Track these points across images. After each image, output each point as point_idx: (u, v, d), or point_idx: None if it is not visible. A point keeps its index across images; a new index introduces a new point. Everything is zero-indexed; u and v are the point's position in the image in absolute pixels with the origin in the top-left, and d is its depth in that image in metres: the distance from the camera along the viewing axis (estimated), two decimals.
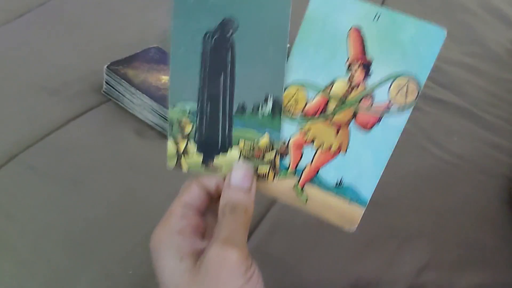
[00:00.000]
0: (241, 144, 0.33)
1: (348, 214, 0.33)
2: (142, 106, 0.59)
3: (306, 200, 0.33)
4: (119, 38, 0.72)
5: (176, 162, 0.34)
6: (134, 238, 0.47)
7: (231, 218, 0.31)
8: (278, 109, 0.32)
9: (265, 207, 0.53)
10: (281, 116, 0.32)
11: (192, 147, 0.33)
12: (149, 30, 0.75)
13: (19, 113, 0.58)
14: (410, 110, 0.31)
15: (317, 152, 0.33)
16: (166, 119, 0.58)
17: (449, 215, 0.57)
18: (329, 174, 0.32)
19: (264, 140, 0.32)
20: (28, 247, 0.45)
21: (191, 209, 0.32)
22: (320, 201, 0.33)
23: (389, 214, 0.55)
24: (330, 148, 0.32)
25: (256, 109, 0.32)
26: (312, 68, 0.32)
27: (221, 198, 0.32)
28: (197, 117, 0.33)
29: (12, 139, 0.54)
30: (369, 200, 0.33)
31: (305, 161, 0.33)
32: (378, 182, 0.59)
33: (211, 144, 0.33)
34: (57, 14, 0.75)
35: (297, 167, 0.33)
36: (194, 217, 0.32)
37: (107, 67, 0.60)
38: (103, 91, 0.63)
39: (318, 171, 0.33)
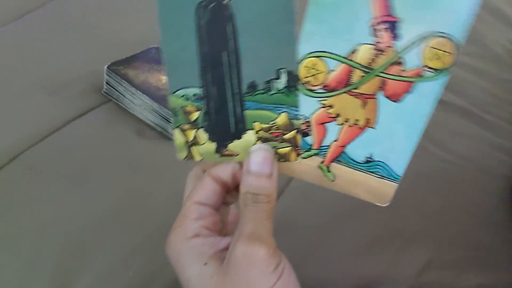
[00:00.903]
0: (256, 126, 0.29)
1: (380, 190, 0.31)
2: (142, 106, 0.59)
3: (333, 178, 0.31)
4: (120, 38, 0.72)
5: (187, 152, 0.31)
6: (135, 239, 0.47)
7: (254, 209, 0.28)
8: (293, 83, 0.28)
9: None
10: (298, 91, 0.29)
11: (203, 135, 0.30)
12: (149, 30, 0.75)
13: (20, 113, 0.58)
14: (447, 76, 0.27)
15: (343, 127, 0.30)
16: (167, 119, 0.58)
17: (451, 216, 0.57)
18: (357, 150, 0.30)
19: (281, 119, 0.29)
20: (29, 247, 0.45)
21: (206, 207, 0.30)
22: (348, 179, 0.31)
23: (391, 214, 0.55)
24: (356, 122, 0.29)
25: (268, 86, 0.29)
26: (331, 34, 0.27)
27: (240, 186, 0.29)
28: (203, 102, 0.29)
29: (12, 139, 0.54)
30: (402, 175, 0.30)
31: (330, 138, 0.30)
32: None
33: (223, 130, 0.30)
34: (58, 15, 0.75)
35: (321, 145, 0.30)
36: (210, 216, 0.30)
37: (107, 67, 0.60)
38: (104, 91, 0.63)
39: (344, 148, 0.30)
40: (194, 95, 0.29)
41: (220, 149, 0.30)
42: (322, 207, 0.54)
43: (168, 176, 0.54)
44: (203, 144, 0.31)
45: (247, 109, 0.29)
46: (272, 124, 0.30)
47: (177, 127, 0.30)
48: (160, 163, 0.56)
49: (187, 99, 0.29)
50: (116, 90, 0.61)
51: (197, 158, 0.31)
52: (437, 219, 0.56)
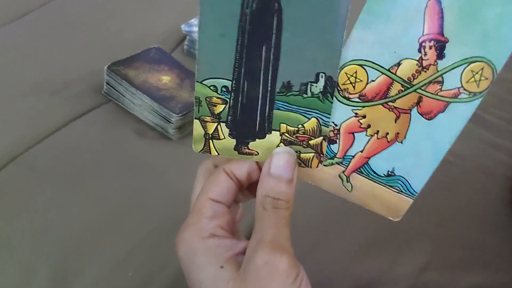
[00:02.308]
0: (283, 127, 0.28)
1: (395, 205, 0.31)
2: (142, 107, 0.59)
3: (351, 189, 0.31)
4: (120, 39, 0.72)
5: (204, 145, 0.30)
6: (134, 240, 0.47)
7: (274, 215, 0.28)
8: (330, 90, 0.27)
9: None
10: (334, 98, 0.28)
11: (224, 130, 0.29)
12: (149, 30, 0.75)
13: (20, 114, 0.58)
14: (481, 99, 0.27)
15: (371, 139, 0.29)
16: (167, 119, 0.58)
17: (450, 216, 0.57)
18: (381, 163, 0.30)
19: (310, 124, 0.28)
20: (28, 247, 0.45)
21: (221, 205, 0.29)
22: (366, 191, 0.31)
23: None
24: (386, 135, 0.29)
25: (304, 88, 0.27)
26: (378, 44, 0.27)
27: (258, 188, 0.28)
28: (231, 95, 0.28)
29: (12, 140, 0.54)
30: (419, 192, 0.30)
31: (356, 148, 0.30)
32: None
33: (247, 127, 0.28)
34: (58, 15, 0.75)
35: (346, 154, 0.30)
36: (224, 214, 0.29)
37: (107, 67, 0.60)
38: (104, 91, 0.63)
39: (368, 160, 0.30)
40: (224, 87, 0.28)
41: (240, 146, 0.29)
42: (321, 207, 0.54)
43: (168, 176, 0.54)
44: (223, 139, 0.29)
45: (276, 109, 0.28)
46: (300, 128, 0.29)
47: (198, 117, 0.29)
48: (160, 163, 0.56)
49: (215, 90, 0.28)
50: (116, 90, 0.61)
51: (213, 152, 0.30)
52: (436, 219, 0.56)
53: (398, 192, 0.31)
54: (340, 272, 0.48)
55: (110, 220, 0.48)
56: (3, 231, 0.46)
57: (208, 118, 0.29)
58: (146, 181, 0.53)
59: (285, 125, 0.28)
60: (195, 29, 0.72)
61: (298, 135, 0.29)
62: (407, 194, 0.31)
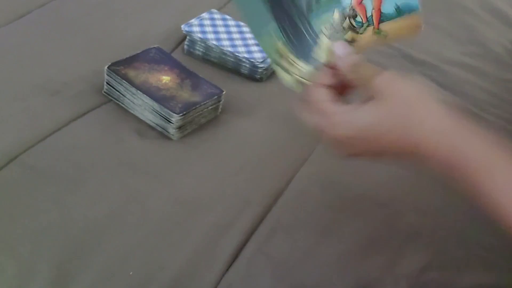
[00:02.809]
0: (324, 30, 0.41)
1: (414, 24, 0.43)
2: (142, 107, 0.60)
3: (386, 35, 0.43)
4: (120, 39, 0.72)
5: (299, 84, 0.41)
6: (134, 239, 0.47)
7: (364, 70, 0.41)
8: None
9: (266, 208, 0.53)
10: None
11: (296, 61, 0.40)
12: (149, 30, 0.75)
13: (20, 114, 0.58)
14: None
15: None
16: (167, 119, 0.58)
17: (451, 215, 0.57)
18: (388, 7, 0.42)
19: (335, 15, 0.41)
20: (29, 247, 0.45)
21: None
22: (394, 29, 0.43)
23: (390, 214, 0.55)
24: None
25: None
26: None
27: (343, 67, 0.41)
28: (282, 33, 0.39)
29: (13, 140, 0.54)
30: (419, 4, 0.43)
31: (369, 9, 0.42)
32: (380, 183, 0.60)
33: (306, 46, 0.40)
34: (58, 15, 0.75)
35: (367, 17, 0.42)
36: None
37: (107, 67, 0.61)
38: (104, 91, 0.63)
39: (380, 10, 0.42)
40: (274, 32, 0.38)
41: (311, 61, 0.41)
42: (320, 207, 0.55)
43: (168, 176, 0.54)
44: (300, 68, 0.41)
45: (312, 21, 0.40)
46: (332, 22, 0.41)
47: (278, 66, 0.39)
48: (160, 163, 0.56)
49: (271, 37, 0.39)
50: (117, 90, 0.61)
51: (307, 82, 0.42)
52: (437, 219, 0.56)
53: (409, 15, 0.43)
54: (340, 272, 0.48)
55: (110, 219, 0.48)
56: (3, 231, 0.46)
57: (285, 62, 0.40)
58: (146, 181, 0.53)
59: (324, 26, 0.41)
60: (195, 29, 0.72)
61: (334, 27, 0.42)
62: (415, 11, 0.43)
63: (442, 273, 0.50)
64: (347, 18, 0.42)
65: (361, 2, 0.42)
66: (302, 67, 0.40)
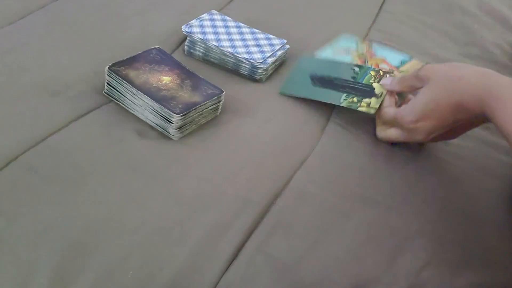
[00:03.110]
0: (371, 80, 0.66)
1: (416, 63, 0.73)
2: (143, 107, 0.60)
3: (407, 71, 0.70)
4: (120, 39, 0.73)
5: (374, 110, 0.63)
6: (134, 239, 0.47)
7: (405, 80, 0.61)
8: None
9: (265, 207, 0.53)
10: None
11: (363, 99, 0.64)
12: (150, 31, 0.75)
13: (20, 114, 0.58)
14: None
15: None
16: (167, 120, 0.58)
17: (449, 215, 0.57)
18: (395, 62, 0.73)
19: (372, 74, 0.67)
20: (29, 247, 0.45)
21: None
22: (409, 68, 0.72)
23: (389, 213, 0.55)
24: None
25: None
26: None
27: (392, 87, 0.63)
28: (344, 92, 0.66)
29: (13, 140, 0.54)
30: (410, 56, 0.68)
31: (391, 63, 0.73)
32: (379, 183, 0.60)
33: (364, 91, 0.65)
34: (58, 16, 0.76)
35: (391, 67, 0.74)
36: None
37: (108, 68, 0.61)
38: (105, 92, 0.63)
39: (393, 64, 0.72)
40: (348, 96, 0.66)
41: (371, 96, 0.64)
42: (319, 206, 0.55)
43: (168, 176, 0.54)
44: (369, 102, 0.64)
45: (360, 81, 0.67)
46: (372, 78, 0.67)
47: (356, 108, 0.64)
48: (160, 163, 0.56)
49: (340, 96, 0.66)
50: (117, 91, 0.61)
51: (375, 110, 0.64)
52: (435, 218, 0.56)
53: (410, 61, 0.75)
54: (339, 271, 0.49)
55: (110, 220, 0.48)
56: (4, 231, 0.46)
57: (363, 104, 0.64)
58: (146, 181, 0.53)
59: (369, 81, 0.67)
60: (195, 30, 0.72)
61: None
62: (411, 59, 0.75)
63: (441, 272, 0.50)
64: (380, 74, 0.66)
65: (379, 65, 0.72)
66: (368, 101, 0.63)
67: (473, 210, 0.58)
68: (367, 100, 0.62)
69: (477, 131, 0.68)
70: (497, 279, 0.50)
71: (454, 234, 0.54)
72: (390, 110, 0.61)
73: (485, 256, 0.53)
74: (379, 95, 0.63)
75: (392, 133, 0.61)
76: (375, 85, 0.63)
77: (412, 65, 0.72)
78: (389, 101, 0.62)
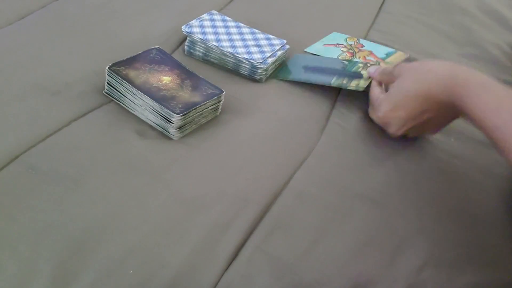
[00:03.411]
0: (360, 69, 0.70)
1: (401, 55, 0.78)
2: (143, 107, 0.60)
3: (393, 63, 0.75)
4: (121, 39, 0.73)
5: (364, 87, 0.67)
6: (134, 238, 0.47)
7: (387, 73, 0.65)
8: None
9: (265, 207, 0.53)
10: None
11: (351, 81, 0.68)
12: (150, 31, 0.76)
13: (21, 114, 0.58)
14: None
15: None
16: (167, 119, 0.58)
17: (448, 214, 0.57)
18: (380, 54, 0.79)
19: (360, 65, 0.71)
20: (29, 247, 0.45)
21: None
22: (394, 59, 0.78)
23: (388, 213, 0.55)
24: None
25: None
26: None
27: (375, 75, 0.66)
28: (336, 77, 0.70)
29: (13, 140, 0.54)
30: (394, 49, 0.79)
31: (377, 55, 0.78)
32: (378, 183, 0.60)
33: (353, 75, 0.69)
34: (59, 16, 0.76)
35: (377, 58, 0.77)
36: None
37: (108, 68, 0.61)
38: (105, 92, 0.63)
39: (379, 56, 0.79)
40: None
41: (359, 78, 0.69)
42: (319, 206, 0.55)
43: (168, 176, 0.55)
44: (358, 83, 0.67)
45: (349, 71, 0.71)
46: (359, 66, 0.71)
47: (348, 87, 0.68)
48: (160, 163, 0.56)
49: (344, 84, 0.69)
50: (117, 91, 0.61)
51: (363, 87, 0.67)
52: (435, 218, 0.56)
53: (394, 53, 0.80)
54: (338, 270, 0.49)
55: (110, 220, 0.48)
56: (4, 231, 0.46)
57: (352, 83, 0.69)
58: (146, 181, 0.53)
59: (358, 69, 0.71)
60: (195, 30, 0.72)
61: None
62: (395, 52, 0.81)
63: (440, 271, 0.50)
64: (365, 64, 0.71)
65: (366, 57, 0.77)
66: (357, 82, 0.67)
67: (473, 210, 0.58)
68: (356, 81, 0.66)
69: (476, 131, 0.68)
70: (497, 279, 0.51)
71: (454, 234, 0.54)
72: (375, 89, 0.64)
73: (484, 256, 0.53)
74: (367, 78, 0.67)
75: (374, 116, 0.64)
76: (363, 72, 0.68)
77: (396, 57, 0.78)
78: (377, 82, 0.65)
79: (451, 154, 0.65)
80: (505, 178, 0.63)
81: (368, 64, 0.69)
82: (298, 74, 0.71)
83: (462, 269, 0.51)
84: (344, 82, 0.67)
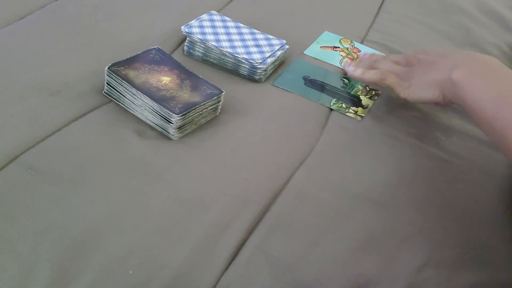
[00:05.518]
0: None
1: None
2: (143, 107, 0.60)
3: None
4: (120, 39, 0.73)
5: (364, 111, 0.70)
6: (134, 238, 0.47)
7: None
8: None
9: (265, 207, 0.53)
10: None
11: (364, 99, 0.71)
12: (150, 31, 0.76)
13: (20, 114, 0.58)
14: None
15: None
16: (167, 120, 0.58)
17: (448, 214, 0.57)
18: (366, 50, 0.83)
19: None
20: (29, 247, 0.45)
21: None
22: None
23: (388, 212, 0.55)
24: None
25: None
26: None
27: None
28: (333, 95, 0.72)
29: (13, 140, 0.54)
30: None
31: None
32: (378, 182, 0.60)
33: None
34: (58, 16, 0.76)
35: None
36: None
37: (108, 68, 0.61)
38: (104, 92, 0.63)
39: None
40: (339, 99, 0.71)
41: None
42: (319, 206, 0.55)
43: (168, 176, 0.55)
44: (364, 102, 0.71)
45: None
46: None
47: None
48: (160, 163, 0.56)
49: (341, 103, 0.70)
50: (117, 91, 0.61)
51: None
52: (435, 218, 0.56)
53: None
54: (338, 270, 0.49)
55: (110, 219, 0.48)
56: (4, 231, 0.46)
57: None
58: (146, 181, 0.53)
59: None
60: (195, 30, 0.72)
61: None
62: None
63: (440, 271, 0.50)
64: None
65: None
66: (356, 109, 0.70)
67: (473, 210, 0.58)
68: (354, 108, 0.69)
69: (477, 131, 0.68)
70: (497, 279, 0.51)
71: (454, 234, 0.54)
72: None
73: (484, 256, 0.53)
74: (366, 106, 0.69)
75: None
76: (362, 97, 0.70)
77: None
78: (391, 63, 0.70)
79: (451, 154, 0.65)
80: (505, 178, 0.63)
81: (368, 88, 0.72)
82: (297, 86, 0.71)
83: (462, 269, 0.51)
84: (343, 106, 0.68)
